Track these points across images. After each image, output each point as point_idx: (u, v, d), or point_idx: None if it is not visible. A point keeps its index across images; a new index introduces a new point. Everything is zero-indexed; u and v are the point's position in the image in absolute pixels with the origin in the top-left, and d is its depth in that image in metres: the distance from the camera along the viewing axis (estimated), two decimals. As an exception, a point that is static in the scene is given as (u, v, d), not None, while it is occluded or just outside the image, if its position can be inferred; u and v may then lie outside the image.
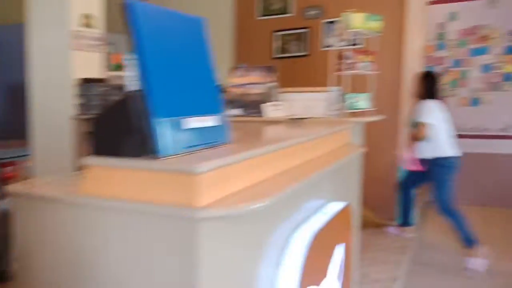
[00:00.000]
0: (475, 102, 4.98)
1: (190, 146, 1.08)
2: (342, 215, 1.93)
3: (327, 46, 4.14)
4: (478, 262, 3.39)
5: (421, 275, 3.35)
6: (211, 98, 1.23)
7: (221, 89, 2.60)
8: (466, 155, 5.05)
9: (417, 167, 3.76)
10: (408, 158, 3.79)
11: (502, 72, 4.84)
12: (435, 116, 3.53)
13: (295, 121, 2.28)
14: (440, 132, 3.56)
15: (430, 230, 4.32)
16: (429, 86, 3.59)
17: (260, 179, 1.24)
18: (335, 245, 1.84)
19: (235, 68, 2.51)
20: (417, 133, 3.53)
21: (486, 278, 3.21)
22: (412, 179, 3.92)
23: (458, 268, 3.44)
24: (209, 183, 0.99)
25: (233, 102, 2.40)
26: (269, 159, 1.32)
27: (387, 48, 4.05)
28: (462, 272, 3.36)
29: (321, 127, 2.07)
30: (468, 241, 3.49)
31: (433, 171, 3.65)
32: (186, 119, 1.08)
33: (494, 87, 4.89)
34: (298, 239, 1.51)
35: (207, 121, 1.16)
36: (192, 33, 1.24)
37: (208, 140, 1.16)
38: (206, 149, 1.13)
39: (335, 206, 1.90)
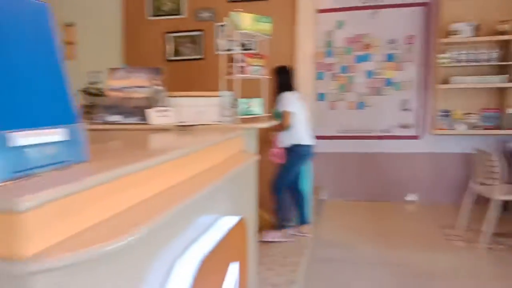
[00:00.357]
0: (361, 105, 5.19)
1: (21, 171, 0.78)
2: (236, 230, 1.74)
3: (223, 50, 3.97)
4: (278, 235, 3.85)
5: (320, 274, 3.33)
6: (58, 106, 0.94)
7: (99, 93, 2.27)
8: (354, 154, 5.29)
9: (282, 159, 3.85)
10: (275, 152, 3.85)
11: (383, 77, 5.11)
12: (295, 106, 3.71)
13: (184, 129, 2.04)
14: (298, 121, 3.73)
15: (326, 227, 4.38)
16: (284, 79, 3.75)
17: (127, 205, 0.98)
18: (228, 264, 1.64)
19: (114, 69, 2.19)
20: (282, 122, 3.65)
21: (384, 268, 3.29)
22: (291, 176, 3.93)
23: (355, 262, 3.49)
24: (42, 222, 0.71)
25: (112, 108, 2.07)
26: (141, 178, 1.07)
27: (279, 53, 4.00)
28: (360, 265, 3.41)
29: (212, 135, 1.86)
30: (284, 221, 3.88)
31: (288, 156, 3.81)
32: (15, 133, 0.78)
33: (377, 91, 5.14)
34: (183, 266, 1.27)
35: (51, 135, 0.87)
36: (31, 21, 0.93)
37: (53, 160, 0.87)
38: (47, 173, 0.84)
39: (229, 222, 1.70)
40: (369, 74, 5.14)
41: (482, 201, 3.97)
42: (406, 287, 3.13)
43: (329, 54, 5.19)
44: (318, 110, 5.08)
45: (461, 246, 3.83)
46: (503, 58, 4.65)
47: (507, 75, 4.63)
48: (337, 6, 5.10)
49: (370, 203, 5.18)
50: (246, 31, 2.41)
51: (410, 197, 5.18)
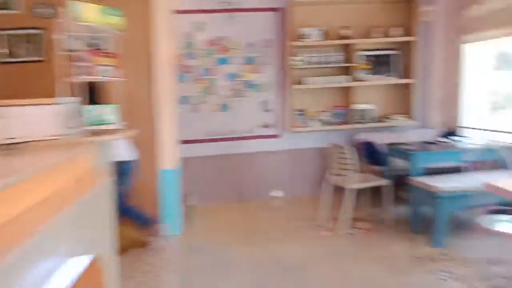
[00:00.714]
0: (224, 108, 5.01)
1: None
2: (88, 273, 1.31)
3: (62, 47, 3.33)
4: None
5: (194, 282, 3.04)
6: None
7: None
8: (220, 157, 5.08)
9: None
10: None
11: (244, 80, 5.01)
12: None
13: (10, 147, 1.50)
14: None
15: (197, 233, 4.08)
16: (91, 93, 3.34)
17: None
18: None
19: None
20: None
21: (255, 265, 3.11)
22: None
23: (228, 264, 3.27)
24: None
25: None
26: None
27: (134, 55, 3.57)
28: (232, 266, 3.19)
29: (48, 154, 1.39)
30: (146, 222, 3.65)
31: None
32: None
33: (238, 93, 5.02)
34: None
35: None
36: None
37: None
38: None
39: (77, 264, 1.27)
40: (230, 76, 4.99)
41: (340, 191, 4.14)
42: (276, 281, 3.04)
43: (190, 56, 4.88)
44: (181, 113, 4.74)
45: (325, 235, 3.92)
46: (347, 60, 4.96)
47: (352, 76, 4.95)
48: (194, 8, 4.82)
49: (239, 204, 5.04)
50: (91, 24, 1.94)
51: (276, 193, 5.21)
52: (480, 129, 4.65)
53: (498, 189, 2.60)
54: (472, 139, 4.37)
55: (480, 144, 3.99)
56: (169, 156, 3.87)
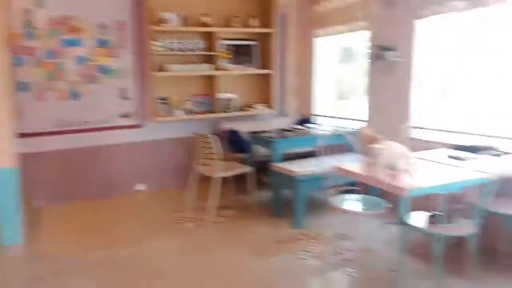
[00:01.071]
0: (75, 95, 4.43)
1: None
2: None
3: None
4: None
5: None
6: None
7: None
8: (72, 151, 4.50)
9: None
10: None
11: (97, 64, 4.49)
12: None
13: None
14: None
15: (44, 240, 3.53)
16: None
17: None
18: None
19: None
20: None
21: (109, 269, 2.79)
22: None
23: (78, 270, 2.87)
24: None
25: None
26: None
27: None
28: (83, 272, 2.81)
29: None
30: None
31: None
32: None
33: (91, 79, 4.49)
34: None
35: None
36: None
37: None
38: None
39: None
40: (81, 60, 4.42)
41: (206, 180, 4.04)
42: (135, 281, 2.79)
43: (29, 36, 4.15)
44: (20, 102, 4.03)
45: (190, 226, 3.79)
46: (209, 48, 4.84)
47: (214, 64, 4.85)
48: (32, -21, 4.11)
49: (99, 201, 4.55)
50: None
51: (139, 187, 4.86)
52: (330, 116, 5.06)
53: (345, 171, 2.80)
54: (323, 125, 4.72)
55: (330, 130, 4.32)
56: (3, 153, 3.24)
